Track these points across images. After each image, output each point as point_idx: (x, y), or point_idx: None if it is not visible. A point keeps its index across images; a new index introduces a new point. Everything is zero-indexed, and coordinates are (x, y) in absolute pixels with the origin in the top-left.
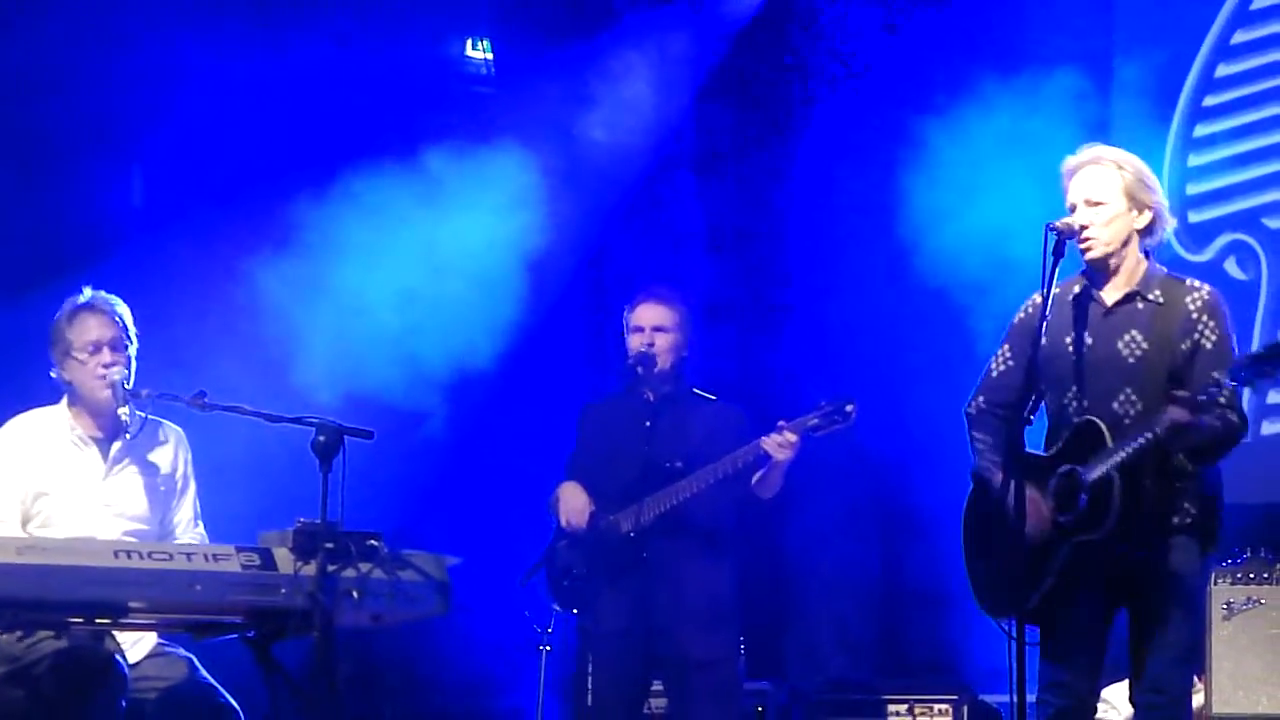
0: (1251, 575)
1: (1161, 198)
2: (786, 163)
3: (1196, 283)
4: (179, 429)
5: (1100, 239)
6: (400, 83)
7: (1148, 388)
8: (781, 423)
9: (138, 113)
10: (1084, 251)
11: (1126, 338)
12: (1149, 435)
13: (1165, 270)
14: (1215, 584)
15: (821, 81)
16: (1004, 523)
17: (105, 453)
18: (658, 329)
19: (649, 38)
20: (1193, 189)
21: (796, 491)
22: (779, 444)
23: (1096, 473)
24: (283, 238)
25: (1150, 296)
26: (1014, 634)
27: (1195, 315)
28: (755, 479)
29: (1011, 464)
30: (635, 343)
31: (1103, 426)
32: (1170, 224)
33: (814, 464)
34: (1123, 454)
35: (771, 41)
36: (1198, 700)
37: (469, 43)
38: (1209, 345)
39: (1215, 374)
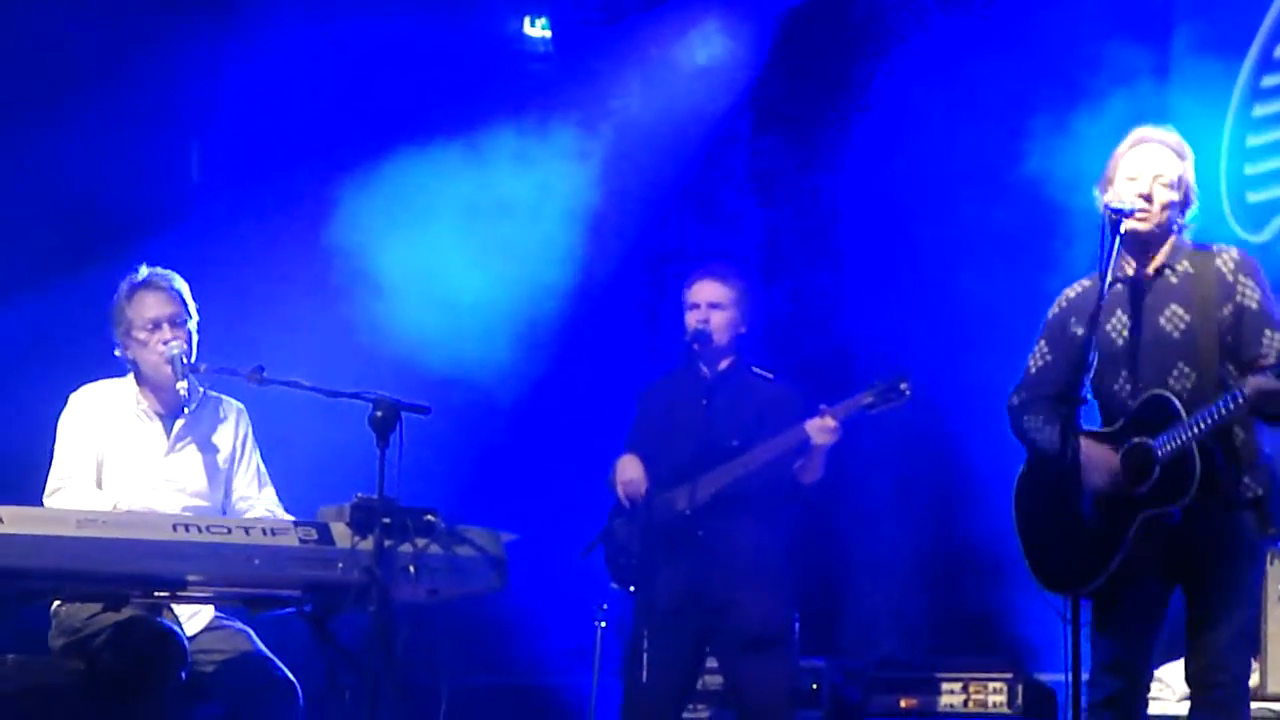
0: None
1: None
2: (846, 138)
3: (1223, 246)
4: (240, 404)
5: (1154, 215)
6: (458, 60)
7: (1199, 359)
8: (823, 406)
9: (195, 89)
10: (1138, 220)
11: (1167, 313)
12: (1227, 406)
13: (1190, 243)
14: (1273, 564)
15: (882, 56)
16: (1066, 495)
17: (169, 429)
18: (713, 305)
19: (707, 12)
20: (1251, 169)
21: (850, 468)
22: (820, 428)
23: (1172, 444)
24: (340, 212)
25: (1179, 268)
26: (1068, 615)
27: (1230, 278)
28: (797, 465)
29: (1069, 439)
30: (691, 320)
31: (1174, 399)
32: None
33: (867, 440)
34: (1200, 425)
35: (832, 15)
36: (1252, 680)
37: (527, 20)
38: (1254, 305)
39: (1269, 333)
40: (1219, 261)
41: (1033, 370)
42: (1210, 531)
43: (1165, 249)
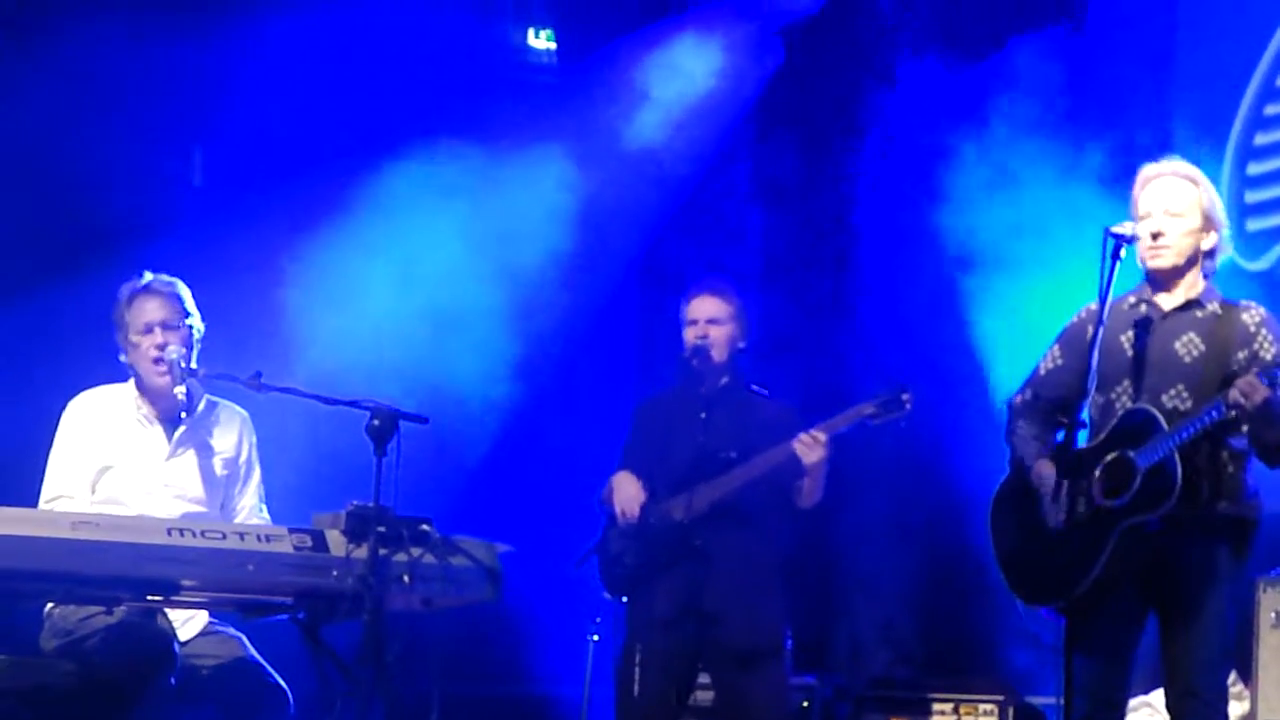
0: None
1: (1227, 226)
2: (853, 152)
3: (1253, 303)
4: (244, 412)
5: (1173, 249)
6: (461, 70)
7: (1200, 387)
8: (814, 428)
9: (198, 94)
10: (1152, 258)
11: (1185, 338)
12: (1210, 416)
13: (1220, 294)
14: (1265, 592)
15: (882, 84)
16: (1043, 510)
17: (169, 434)
18: (711, 321)
19: (714, 28)
20: (1251, 197)
21: (845, 486)
22: (808, 445)
23: (1154, 455)
24: (341, 219)
25: (1209, 307)
26: (1045, 637)
27: (1253, 330)
28: (796, 486)
29: (1058, 454)
30: (690, 336)
31: (1157, 413)
32: (1226, 252)
33: (862, 458)
34: (1183, 435)
35: (836, 36)
36: (1242, 708)
37: (531, 32)
38: (1268, 356)
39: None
40: (1245, 315)
41: (1041, 372)
42: (1187, 557)
43: (1193, 282)
